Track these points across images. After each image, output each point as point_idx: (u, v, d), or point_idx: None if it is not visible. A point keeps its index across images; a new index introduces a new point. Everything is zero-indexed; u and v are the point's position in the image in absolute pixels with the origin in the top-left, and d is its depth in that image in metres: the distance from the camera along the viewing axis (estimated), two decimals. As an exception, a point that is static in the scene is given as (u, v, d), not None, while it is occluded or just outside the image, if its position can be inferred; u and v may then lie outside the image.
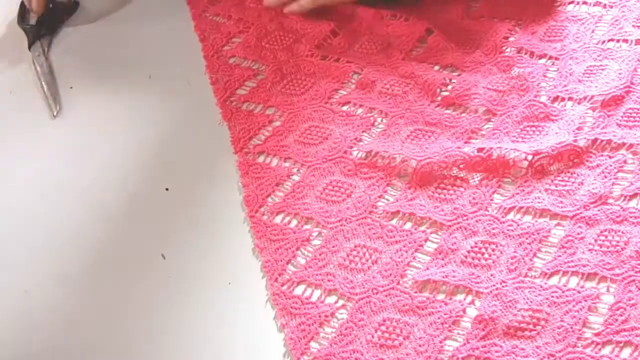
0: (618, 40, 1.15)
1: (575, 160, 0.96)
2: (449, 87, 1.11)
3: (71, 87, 1.18)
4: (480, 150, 0.99)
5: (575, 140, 0.98)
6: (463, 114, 1.07)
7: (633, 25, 1.17)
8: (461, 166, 0.97)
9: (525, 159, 0.97)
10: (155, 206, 0.99)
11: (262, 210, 0.96)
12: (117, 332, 0.85)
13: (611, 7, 1.21)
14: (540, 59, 1.14)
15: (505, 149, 0.98)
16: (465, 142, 1.02)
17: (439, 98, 1.09)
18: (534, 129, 1.03)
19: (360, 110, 1.09)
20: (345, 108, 1.09)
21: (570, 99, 1.07)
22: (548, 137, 1.01)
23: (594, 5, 1.22)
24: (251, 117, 1.09)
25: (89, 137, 1.10)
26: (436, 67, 1.15)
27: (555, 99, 1.07)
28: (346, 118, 1.07)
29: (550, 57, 1.14)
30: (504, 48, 1.16)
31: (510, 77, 1.10)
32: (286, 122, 1.08)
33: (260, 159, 1.03)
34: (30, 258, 0.94)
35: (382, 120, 1.07)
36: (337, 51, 1.19)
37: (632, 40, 1.14)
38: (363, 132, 1.05)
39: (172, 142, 1.08)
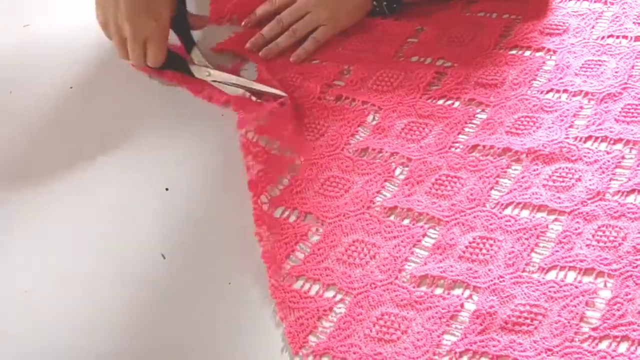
0: (618, 37, 1.15)
1: (572, 157, 0.97)
2: (441, 79, 1.11)
3: (71, 87, 1.19)
4: (474, 147, 1.00)
5: (567, 138, 0.99)
6: (455, 105, 1.07)
7: (633, 22, 1.17)
8: (456, 167, 0.98)
9: (519, 158, 0.98)
10: (155, 206, 0.99)
11: (262, 200, 0.96)
12: (117, 331, 0.86)
13: (612, 3, 1.21)
14: (537, 51, 1.14)
15: (499, 148, 0.99)
16: (460, 133, 1.02)
17: (431, 90, 1.10)
18: (527, 119, 1.03)
19: (353, 104, 1.09)
20: (338, 103, 1.10)
21: (565, 91, 1.07)
22: (541, 131, 1.01)
23: (595, 2, 1.22)
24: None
25: (88, 137, 1.10)
26: (428, 60, 1.15)
27: (550, 90, 1.07)
28: (340, 112, 1.08)
29: (549, 50, 1.14)
30: (500, 43, 1.16)
31: (503, 70, 1.11)
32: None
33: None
34: (29, 258, 0.95)
35: (375, 114, 1.07)
36: (326, 53, 1.19)
37: (631, 37, 1.14)
38: (358, 126, 1.06)
39: (172, 141, 1.08)
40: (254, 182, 0.98)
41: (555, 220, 0.90)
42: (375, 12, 1.23)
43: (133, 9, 1.07)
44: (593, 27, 1.17)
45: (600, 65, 1.10)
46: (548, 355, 0.78)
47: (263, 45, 1.19)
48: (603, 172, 0.94)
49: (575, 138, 0.99)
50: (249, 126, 1.06)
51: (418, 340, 0.81)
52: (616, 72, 1.08)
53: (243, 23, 1.24)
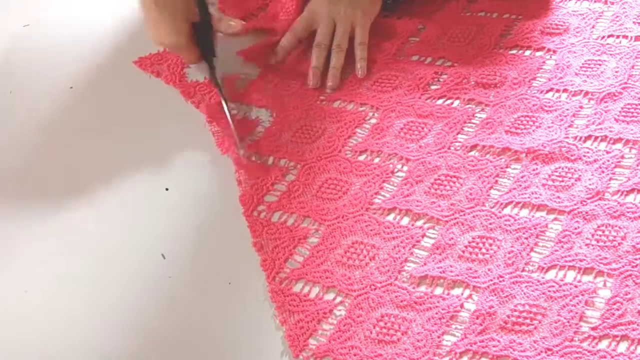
0: (618, 37, 1.15)
1: (571, 157, 0.97)
2: (441, 79, 1.11)
3: (71, 87, 1.19)
4: (473, 147, 1.00)
5: (566, 137, 0.99)
6: (455, 105, 1.07)
7: (634, 22, 1.17)
8: (455, 166, 0.98)
9: (519, 157, 0.98)
10: (155, 206, 0.99)
11: (259, 209, 0.96)
12: (116, 331, 0.86)
13: (612, 3, 1.21)
14: (537, 51, 1.14)
15: (498, 147, 0.99)
16: (459, 133, 1.02)
17: (430, 90, 1.09)
18: (527, 119, 1.03)
19: (351, 106, 1.09)
20: (335, 105, 1.10)
21: (565, 90, 1.07)
22: (541, 130, 1.01)
23: (595, 2, 1.22)
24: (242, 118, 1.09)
25: (88, 137, 1.10)
26: (428, 60, 1.15)
27: (550, 90, 1.07)
28: (337, 115, 1.08)
29: (549, 50, 1.14)
30: (500, 43, 1.16)
31: (503, 70, 1.11)
32: (278, 121, 1.08)
33: (255, 159, 1.03)
34: (28, 258, 0.95)
35: (373, 115, 1.07)
36: None
37: (632, 37, 1.14)
38: (355, 127, 1.05)
39: (172, 141, 1.08)
40: (246, 197, 0.98)
41: (555, 219, 0.91)
42: (387, 5, 1.21)
43: (156, 32, 1.08)
44: (593, 27, 1.17)
45: (600, 64, 1.10)
46: (548, 355, 0.78)
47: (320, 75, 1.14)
48: (603, 172, 0.94)
49: (575, 137, 0.99)
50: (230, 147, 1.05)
51: (418, 341, 0.81)
52: (616, 72, 1.08)
53: (272, 61, 1.17)
